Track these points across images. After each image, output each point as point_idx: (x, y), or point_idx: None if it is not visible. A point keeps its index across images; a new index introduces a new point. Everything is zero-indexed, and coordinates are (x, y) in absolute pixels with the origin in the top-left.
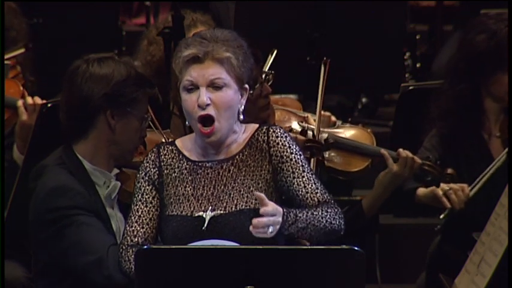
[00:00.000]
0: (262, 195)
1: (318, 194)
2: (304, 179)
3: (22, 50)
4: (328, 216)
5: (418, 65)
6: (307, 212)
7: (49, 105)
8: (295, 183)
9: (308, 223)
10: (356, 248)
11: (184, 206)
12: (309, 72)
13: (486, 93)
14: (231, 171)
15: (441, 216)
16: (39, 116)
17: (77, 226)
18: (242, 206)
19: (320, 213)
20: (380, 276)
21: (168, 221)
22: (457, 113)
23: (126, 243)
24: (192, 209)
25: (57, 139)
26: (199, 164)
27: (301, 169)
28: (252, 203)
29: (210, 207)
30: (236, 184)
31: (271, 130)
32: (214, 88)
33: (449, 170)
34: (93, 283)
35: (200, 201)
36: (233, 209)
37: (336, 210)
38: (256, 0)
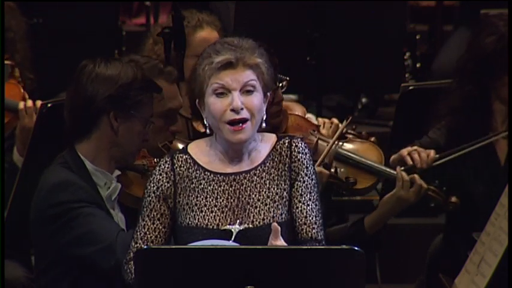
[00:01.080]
0: (278, 228)
1: (313, 230)
2: (308, 208)
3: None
4: None
5: (418, 65)
6: None
7: (49, 105)
8: (299, 207)
9: None
10: (356, 248)
11: (208, 218)
12: (309, 72)
13: (494, 95)
14: (255, 182)
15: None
16: (39, 116)
17: (84, 217)
18: (269, 219)
19: None
20: (380, 276)
21: (191, 233)
22: (464, 113)
23: (128, 258)
24: (217, 221)
25: (57, 140)
26: (220, 174)
27: (308, 196)
28: (278, 215)
29: (238, 221)
30: (261, 196)
31: (294, 144)
32: (245, 92)
33: (453, 199)
34: (102, 271)
35: (225, 213)
36: (260, 223)
37: None
38: (256, 0)
